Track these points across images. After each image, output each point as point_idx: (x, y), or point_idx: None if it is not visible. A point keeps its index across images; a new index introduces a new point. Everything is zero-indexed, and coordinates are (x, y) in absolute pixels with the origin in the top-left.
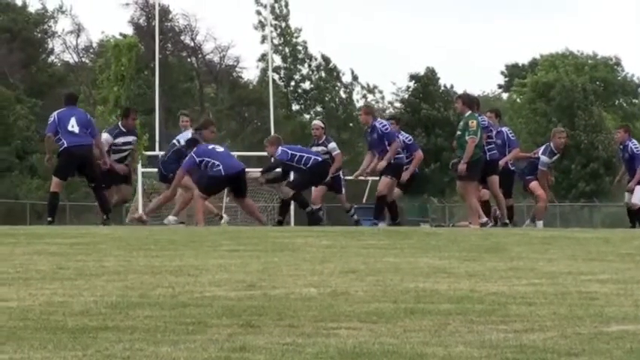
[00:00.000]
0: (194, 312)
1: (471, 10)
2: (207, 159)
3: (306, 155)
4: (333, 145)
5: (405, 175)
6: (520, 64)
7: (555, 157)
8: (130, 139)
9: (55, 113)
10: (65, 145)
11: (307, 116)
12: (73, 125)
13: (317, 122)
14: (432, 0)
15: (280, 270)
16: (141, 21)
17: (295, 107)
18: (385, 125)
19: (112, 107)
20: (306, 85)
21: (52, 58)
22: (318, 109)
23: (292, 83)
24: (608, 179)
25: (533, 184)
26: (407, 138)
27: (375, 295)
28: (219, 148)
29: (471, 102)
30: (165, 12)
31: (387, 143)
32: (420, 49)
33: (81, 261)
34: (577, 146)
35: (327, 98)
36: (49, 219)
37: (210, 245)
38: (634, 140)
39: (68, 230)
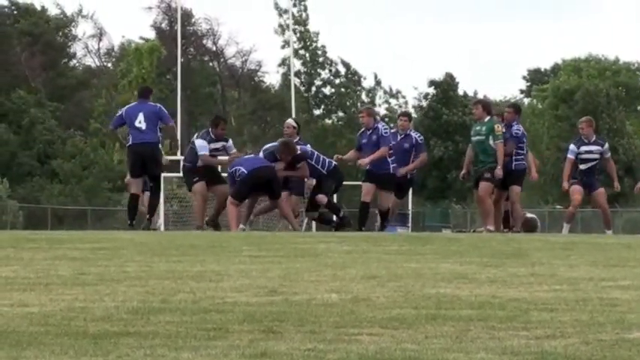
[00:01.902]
0: (215, 318)
1: (492, 15)
2: (234, 169)
3: (322, 157)
4: (308, 147)
5: (402, 171)
6: (542, 69)
7: (587, 148)
8: (219, 145)
9: (125, 107)
10: (130, 142)
11: (329, 121)
12: (140, 121)
13: (290, 121)
14: (453, 4)
15: (301, 276)
16: (163, 25)
17: (317, 112)
18: (387, 129)
19: None
20: (327, 89)
21: (73, 62)
22: (340, 114)
23: (313, 88)
24: (628, 183)
25: (573, 188)
26: (419, 137)
27: (396, 301)
28: (250, 157)
29: (490, 107)
30: (187, 16)
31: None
32: (441, 53)
33: (102, 266)
34: None
35: (348, 103)
36: (129, 222)
37: (231, 251)
38: None
39: (89, 235)
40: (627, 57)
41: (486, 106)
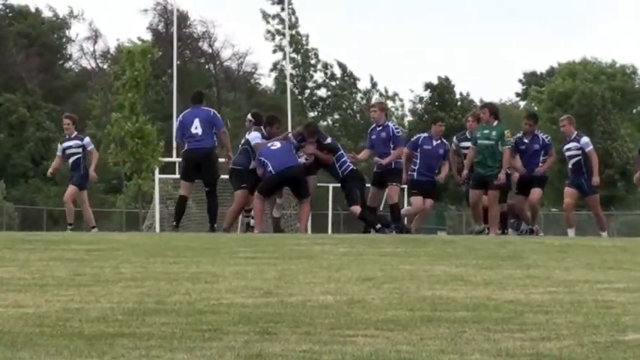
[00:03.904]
0: (210, 319)
1: (488, 18)
2: (262, 159)
3: (345, 159)
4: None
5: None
6: (538, 73)
7: (567, 146)
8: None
9: (180, 116)
10: (186, 147)
11: (324, 123)
12: (196, 127)
13: (249, 116)
14: (449, 6)
15: (297, 277)
16: (159, 27)
17: (312, 114)
18: (398, 129)
19: (127, 113)
20: (322, 92)
21: (69, 64)
22: (336, 116)
23: (307, 91)
24: (622, 185)
25: (565, 190)
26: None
27: (391, 303)
28: (275, 146)
29: (498, 112)
30: (183, 18)
31: (392, 147)
32: (438, 56)
33: (97, 267)
34: None
35: (344, 105)
36: (174, 223)
37: (226, 252)
38: None
39: (85, 236)
40: (622, 60)
41: (494, 110)
